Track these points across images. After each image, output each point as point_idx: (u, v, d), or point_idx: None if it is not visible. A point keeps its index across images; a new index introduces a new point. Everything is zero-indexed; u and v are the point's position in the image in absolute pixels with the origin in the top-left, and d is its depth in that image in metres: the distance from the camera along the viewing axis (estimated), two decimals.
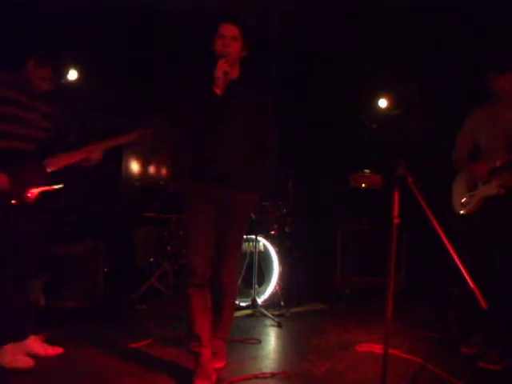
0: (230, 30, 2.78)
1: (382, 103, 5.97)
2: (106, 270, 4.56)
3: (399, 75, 5.46)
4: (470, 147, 3.51)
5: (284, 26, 5.12)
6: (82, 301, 4.24)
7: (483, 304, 2.03)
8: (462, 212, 3.47)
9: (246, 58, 2.90)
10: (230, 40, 2.77)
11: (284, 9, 4.87)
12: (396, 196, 2.22)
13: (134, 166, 5.97)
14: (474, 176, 3.41)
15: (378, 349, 3.33)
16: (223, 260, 2.90)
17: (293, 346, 3.57)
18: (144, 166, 5.88)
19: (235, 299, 3.20)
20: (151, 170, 5.98)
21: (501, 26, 4.44)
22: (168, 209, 4.85)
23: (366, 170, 5.59)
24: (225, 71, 2.69)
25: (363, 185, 5.53)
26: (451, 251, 2.05)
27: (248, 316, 4.30)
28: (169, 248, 4.80)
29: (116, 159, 5.82)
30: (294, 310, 4.56)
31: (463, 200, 3.47)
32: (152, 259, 4.92)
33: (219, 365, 2.96)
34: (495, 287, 3.10)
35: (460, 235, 3.35)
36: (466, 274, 2.03)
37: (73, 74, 5.29)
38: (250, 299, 4.37)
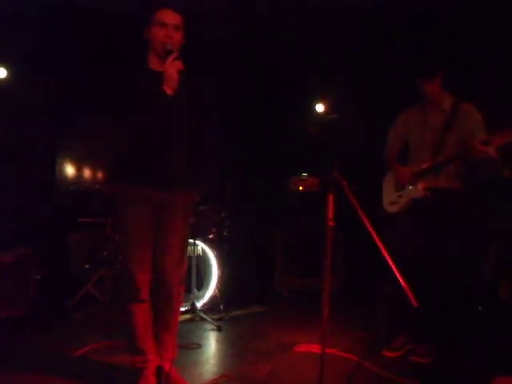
0: (173, 18, 2.52)
1: (319, 108, 6.10)
2: (38, 277, 4.41)
3: (334, 79, 5.62)
4: (400, 144, 3.64)
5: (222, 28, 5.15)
6: (13, 310, 4.08)
7: (413, 302, 2.14)
8: (390, 211, 3.59)
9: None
10: (173, 30, 2.51)
11: (217, 12, 4.89)
12: (331, 199, 2.30)
13: (69, 170, 5.82)
14: (397, 179, 3.55)
15: (316, 349, 3.40)
16: (168, 263, 2.66)
17: (233, 350, 3.60)
18: (79, 170, 5.74)
19: (180, 303, 2.93)
20: (86, 173, 5.84)
21: (428, 30, 4.64)
22: (104, 213, 4.76)
23: (304, 174, 5.71)
24: (179, 69, 2.44)
25: (300, 188, 5.65)
26: (383, 251, 2.16)
27: (187, 321, 4.28)
28: (105, 253, 4.70)
29: (50, 163, 5.65)
30: (233, 313, 4.59)
31: (391, 199, 3.59)
32: (87, 265, 4.80)
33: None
34: (423, 286, 3.26)
35: (389, 233, 3.49)
36: (397, 274, 2.13)
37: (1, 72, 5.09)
38: (189, 304, 4.37)
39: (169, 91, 2.45)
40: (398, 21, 4.69)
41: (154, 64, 2.63)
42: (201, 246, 4.62)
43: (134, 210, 2.62)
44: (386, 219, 3.61)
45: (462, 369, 3.22)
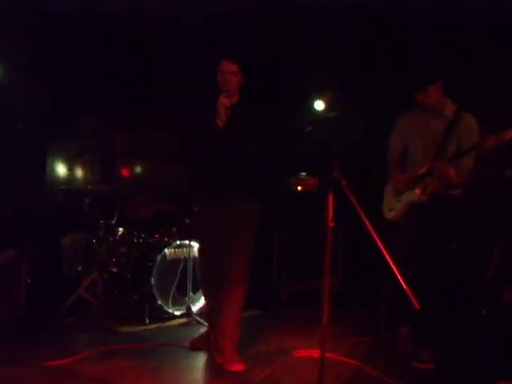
0: (229, 67, 3.29)
1: (318, 105, 6.10)
2: (28, 280, 4.40)
3: (334, 76, 5.62)
4: (401, 149, 3.68)
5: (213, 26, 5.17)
6: (2, 315, 4.07)
7: (415, 304, 2.15)
8: (389, 217, 3.65)
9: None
10: (229, 75, 3.28)
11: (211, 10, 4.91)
12: (330, 199, 2.30)
13: (60, 170, 5.80)
14: (395, 185, 3.61)
15: (315, 353, 3.39)
16: (230, 268, 3.29)
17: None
18: (70, 170, 5.72)
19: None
20: (78, 173, 5.83)
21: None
22: (96, 214, 4.75)
23: (303, 173, 5.71)
24: (226, 106, 3.16)
25: (299, 188, 5.64)
26: (384, 252, 2.16)
27: (183, 325, 4.29)
28: (98, 256, 4.69)
29: (40, 162, 5.64)
30: None
31: (390, 206, 3.66)
32: (80, 268, 4.79)
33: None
34: (423, 288, 3.28)
35: (388, 239, 3.52)
36: (398, 275, 2.14)
37: None
38: (184, 307, 4.37)
39: (219, 123, 3.20)
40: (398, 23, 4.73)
41: None
42: (196, 247, 4.60)
43: (203, 220, 3.53)
44: (387, 223, 3.65)
45: (464, 373, 3.24)
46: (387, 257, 2.17)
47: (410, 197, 3.49)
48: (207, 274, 3.58)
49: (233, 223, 3.32)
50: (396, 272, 2.15)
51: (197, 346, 3.62)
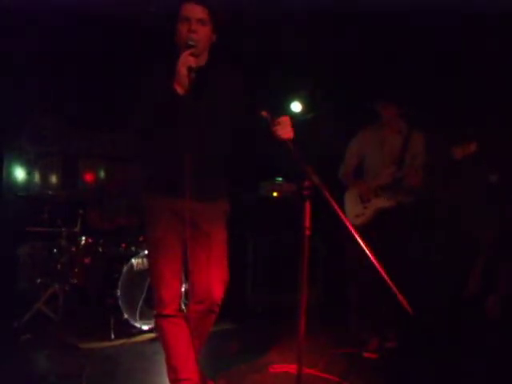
0: (196, 12, 2.50)
1: (295, 107, 6.09)
2: None
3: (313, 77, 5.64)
4: (355, 164, 4.19)
5: None
6: None
7: (409, 310, 2.16)
8: (356, 223, 3.92)
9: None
10: (197, 24, 2.50)
11: None
12: (308, 206, 2.27)
13: (17, 174, 5.70)
14: (361, 192, 4.07)
15: (292, 369, 3.37)
16: (212, 278, 2.73)
17: (202, 370, 3.54)
18: (29, 174, 5.63)
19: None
20: (37, 177, 5.73)
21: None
22: (57, 222, 4.66)
23: (278, 178, 5.68)
24: (189, 66, 2.41)
25: (275, 193, 5.61)
26: (372, 258, 2.15)
27: (151, 340, 4.18)
28: (58, 266, 4.59)
29: None
30: None
31: (356, 212, 4.04)
32: (39, 280, 4.69)
33: None
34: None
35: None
36: (388, 281, 2.13)
37: None
38: (152, 321, 4.28)
39: (179, 90, 2.42)
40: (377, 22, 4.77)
41: None
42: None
43: (161, 222, 2.68)
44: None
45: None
46: (375, 263, 2.15)
47: (380, 203, 3.96)
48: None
49: (205, 228, 2.72)
50: (385, 278, 2.13)
51: None
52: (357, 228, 3.56)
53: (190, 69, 2.40)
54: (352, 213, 4.06)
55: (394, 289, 2.13)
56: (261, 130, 2.64)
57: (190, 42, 2.47)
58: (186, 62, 2.41)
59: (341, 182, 4.24)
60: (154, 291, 2.78)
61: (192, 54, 2.44)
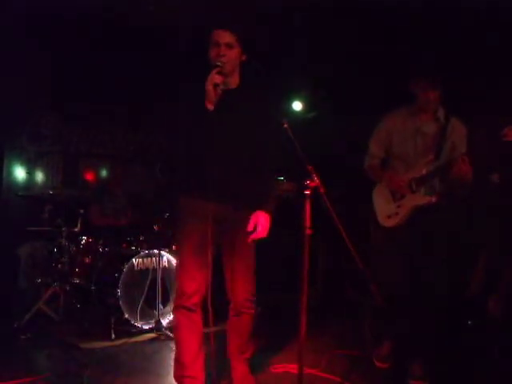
0: (224, 37, 2.77)
1: (296, 106, 6.13)
2: None
3: (314, 76, 5.66)
4: (382, 155, 3.63)
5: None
6: None
7: (380, 301, 2.17)
8: (388, 225, 3.49)
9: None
10: (225, 48, 2.76)
11: None
12: (308, 205, 2.30)
13: (18, 173, 5.73)
14: (391, 187, 3.50)
15: (293, 369, 3.39)
16: (235, 281, 3.02)
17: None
18: (29, 173, 5.65)
19: (253, 314, 3.23)
20: (37, 177, 5.76)
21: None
22: (58, 221, 4.68)
23: (280, 177, 5.71)
24: (215, 83, 2.68)
25: None
26: (355, 254, 2.17)
27: (151, 340, 4.22)
28: (59, 266, 4.62)
29: None
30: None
31: (388, 212, 3.51)
32: (39, 280, 4.71)
33: None
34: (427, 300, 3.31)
35: (386, 248, 3.51)
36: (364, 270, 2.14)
37: None
38: (153, 321, 4.32)
39: (209, 106, 2.70)
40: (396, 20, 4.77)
41: None
42: (166, 256, 4.57)
43: (191, 221, 2.89)
44: (378, 230, 3.59)
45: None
46: (359, 262, 2.18)
47: (417, 200, 3.39)
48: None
49: (231, 232, 2.97)
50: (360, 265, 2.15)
51: None
52: (390, 231, 3.47)
53: (215, 85, 2.68)
54: (383, 213, 3.53)
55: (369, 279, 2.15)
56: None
57: (218, 63, 2.74)
58: (212, 79, 2.68)
59: (366, 176, 3.71)
60: (177, 283, 2.93)
61: (219, 73, 2.71)
